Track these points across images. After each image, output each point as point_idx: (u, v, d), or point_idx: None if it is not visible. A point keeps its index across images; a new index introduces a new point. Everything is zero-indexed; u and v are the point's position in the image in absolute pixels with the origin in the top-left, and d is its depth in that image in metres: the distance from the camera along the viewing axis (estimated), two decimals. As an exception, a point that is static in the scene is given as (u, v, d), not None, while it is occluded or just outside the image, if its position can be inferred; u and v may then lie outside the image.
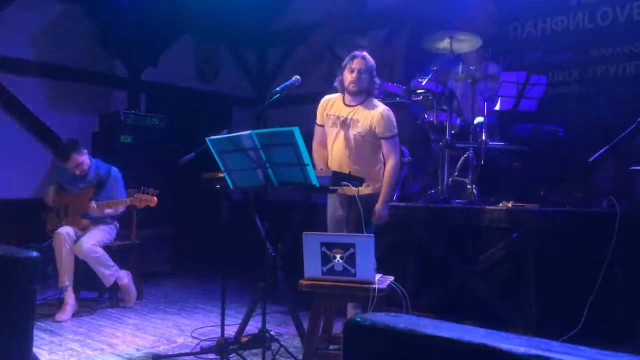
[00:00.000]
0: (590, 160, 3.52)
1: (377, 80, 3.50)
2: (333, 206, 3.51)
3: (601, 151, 3.48)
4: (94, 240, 4.20)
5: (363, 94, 3.46)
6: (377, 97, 3.57)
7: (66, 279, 4.08)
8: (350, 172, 3.17)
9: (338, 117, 3.47)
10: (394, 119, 3.45)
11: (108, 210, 4.35)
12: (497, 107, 4.45)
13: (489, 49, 4.59)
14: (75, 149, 4.27)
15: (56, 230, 4.17)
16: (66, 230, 4.14)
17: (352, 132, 3.40)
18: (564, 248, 3.46)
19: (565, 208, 3.91)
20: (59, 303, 4.14)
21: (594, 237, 3.41)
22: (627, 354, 0.90)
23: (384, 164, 3.45)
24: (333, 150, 3.44)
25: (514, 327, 3.30)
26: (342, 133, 3.42)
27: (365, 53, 3.51)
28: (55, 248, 4.11)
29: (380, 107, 3.44)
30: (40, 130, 5.65)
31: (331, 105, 3.52)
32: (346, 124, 3.43)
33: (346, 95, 3.49)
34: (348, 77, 3.42)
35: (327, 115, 3.52)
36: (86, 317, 4.04)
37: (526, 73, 4.30)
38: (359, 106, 3.44)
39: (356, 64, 3.43)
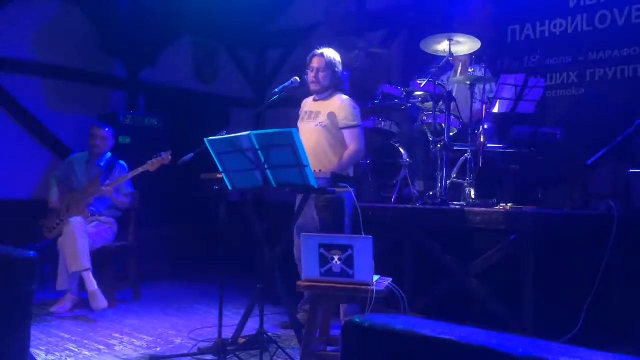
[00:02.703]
0: (588, 163, 3.53)
1: (343, 74, 3.59)
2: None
3: (599, 154, 3.48)
4: (91, 232, 4.25)
5: (329, 90, 3.58)
6: (344, 92, 3.65)
7: (86, 262, 4.05)
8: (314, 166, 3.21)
9: (306, 112, 3.66)
10: (355, 110, 3.53)
11: (121, 199, 4.42)
12: (496, 110, 4.46)
13: (486, 51, 4.59)
14: (112, 127, 4.67)
15: (68, 219, 4.17)
16: (78, 220, 4.15)
17: (314, 124, 3.51)
18: (562, 250, 3.47)
19: (563, 210, 3.91)
20: (56, 303, 4.14)
21: (592, 240, 3.42)
22: (625, 355, 0.90)
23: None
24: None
25: (511, 329, 3.30)
26: (307, 126, 3.53)
27: (325, 50, 3.59)
28: (67, 235, 4.05)
29: (342, 98, 3.55)
30: (38, 130, 5.63)
31: (305, 104, 3.73)
32: (311, 117, 3.58)
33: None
34: (310, 76, 3.54)
35: (301, 114, 3.72)
36: (83, 317, 4.03)
37: (524, 75, 4.31)
38: (322, 100, 3.60)
39: (315, 62, 3.56)
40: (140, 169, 4.35)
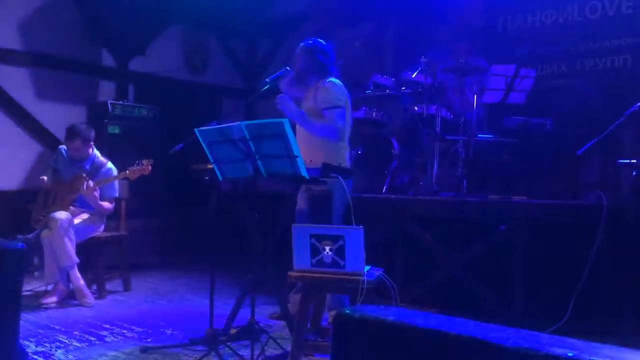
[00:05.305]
0: (578, 153, 3.54)
1: (322, 57, 3.45)
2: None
3: (589, 144, 3.50)
4: (76, 221, 4.18)
5: (311, 76, 3.46)
6: (330, 76, 3.47)
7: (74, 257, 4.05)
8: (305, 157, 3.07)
9: (302, 102, 3.52)
10: (337, 92, 3.36)
11: (103, 204, 4.30)
12: (487, 100, 4.47)
13: (477, 42, 4.60)
14: (83, 136, 4.32)
15: (53, 215, 4.08)
16: (63, 215, 4.07)
17: (303, 113, 3.39)
18: (552, 240, 3.49)
19: (553, 200, 3.94)
20: (45, 295, 4.12)
21: (581, 230, 3.44)
22: (613, 345, 0.91)
23: (344, 149, 3.43)
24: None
25: (501, 318, 3.33)
26: None
27: (310, 40, 3.52)
28: (53, 232, 3.99)
29: (325, 81, 3.41)
30: (27, 121, 5.58)
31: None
32: (303, 106, 3.46)
33: None
34: None
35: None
36: (73, 308, 4.02)
37: (515, 66, 4.32)
38: (310, 89, 3.48)
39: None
40: (121, 175, 4.23)
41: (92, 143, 4.42)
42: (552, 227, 3.51)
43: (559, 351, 0.81)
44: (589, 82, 4.87)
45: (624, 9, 4.74)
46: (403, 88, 4.63)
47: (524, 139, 4.32)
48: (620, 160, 3.66)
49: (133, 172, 4.18)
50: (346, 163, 3.47)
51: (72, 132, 4.34)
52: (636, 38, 4.66)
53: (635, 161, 3.50)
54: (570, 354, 0.80)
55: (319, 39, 3.58)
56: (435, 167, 4.20)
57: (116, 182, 4.40)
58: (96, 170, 4.36)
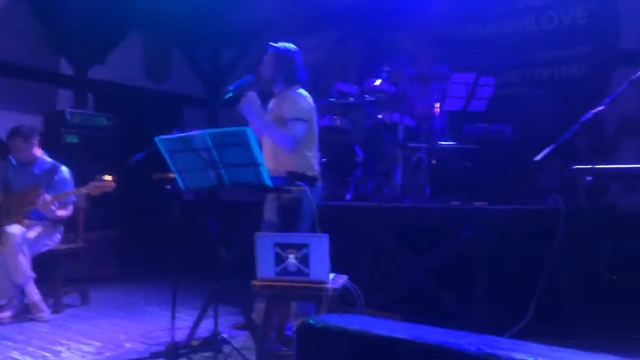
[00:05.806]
0: (535, 159, 3.62)
1: (290, 65, 3.40)
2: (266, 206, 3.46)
3: (546, 151, 3.58)
4: (31, 235, 4.01)
5: (278, 83, 3.42)
6: (300, 85, 3.42)
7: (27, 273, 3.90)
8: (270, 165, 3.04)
9: (269, 109, 3.46)
10: (302, 104, 3.31)
11: (60, 212, 4.15)
12: (448, 108, 4.54)
13: (439, 50, 4.68)
14: (23, 134, 4.17)
15: (6, 230, 3.89)
16: (16, 230, 3.89)
17: (267, 119, 3.34)
18: (512, 245, 3.56)
19: (513, 205, 4.01)
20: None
21: (541, 233, 3.51)
22: (571, 349, 0.93)
23: (311, 157, 3.39)
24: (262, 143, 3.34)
25: (464, 322, 3.36)
26: None
27: (280, 45, 3.47)
28: (6, 247, 3.82)
29: (294, 92, 3.37)
30: (-21, 129, 5.38)
31: (272, 101, 3.52)
32: (271, 114, 3.41)
33: None
34: None
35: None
36: (28, 324, 3.87)
37: (475, 74, 4.40)
38: (278, 96, 3.44)
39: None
40: (84, 189, 4.06)
41: (35, 143, 4.25)
42: (513, 232, 3.58)
43: (520, 356, 0.81)
44: (545, 91, 5.00)
45: (579, 19, 4.91)
46: (366, 96, 4.66)
47: (485, 145, 4.40)
48: (575, 166, 3.76)
49: (95, 188, 4.02)
50: (314, 171, 3.42)
51: (12, 132, 4.20)
52: (590, 47, 4.82)
53: (589, 167, 3.60)
54: (531, 359, 0.81)
55: (287, 44, 3.50)
56: (399, 174, 4.24)
57: (72, 185, 4.24)
58: (49, 177, 4.20)
